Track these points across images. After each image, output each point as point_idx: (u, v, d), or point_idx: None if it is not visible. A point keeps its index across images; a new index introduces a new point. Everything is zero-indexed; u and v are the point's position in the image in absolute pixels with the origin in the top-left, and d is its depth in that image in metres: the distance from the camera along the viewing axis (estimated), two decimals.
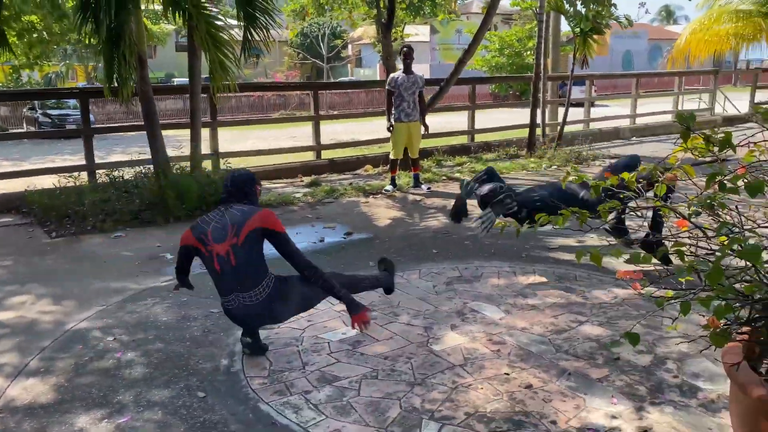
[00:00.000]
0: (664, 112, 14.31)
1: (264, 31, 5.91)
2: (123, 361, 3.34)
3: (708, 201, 2.02)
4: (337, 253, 5.22)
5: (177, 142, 11.91)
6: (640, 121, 13.64)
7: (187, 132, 7.34)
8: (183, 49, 42.00)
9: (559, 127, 10.84)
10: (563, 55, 17.57)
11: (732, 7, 13.93)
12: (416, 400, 2.88)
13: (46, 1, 13.16)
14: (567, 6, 8.99)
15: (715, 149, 1.94)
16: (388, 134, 7.74)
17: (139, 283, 4.60)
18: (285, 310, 3.24)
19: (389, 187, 7.67)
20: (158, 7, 6.31)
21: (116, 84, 5.91)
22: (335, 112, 22.14)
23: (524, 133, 10.76)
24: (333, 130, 14.83)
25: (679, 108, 14.87)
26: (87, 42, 5.77)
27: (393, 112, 7.59)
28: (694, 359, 3.18)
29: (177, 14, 5.81)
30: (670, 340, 3.38)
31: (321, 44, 38.53)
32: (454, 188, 7.93)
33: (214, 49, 5.73)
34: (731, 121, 14.42)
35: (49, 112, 19.36)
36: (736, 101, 15.96)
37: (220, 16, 5.97)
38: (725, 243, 1.80)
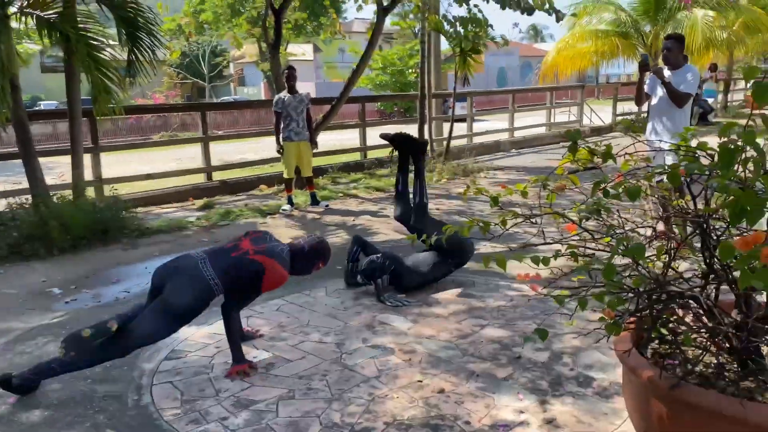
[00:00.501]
0: (539, 125, 15.34)
1: (150, 52, 5.74)
2: (17, 407, 3.12)
3: (594, 207, 2.24)
4: None
5: (49, 169, 11.17)
6: (518, 134, 14.52)
7: (60, 158, 6.92)
8: (49, 69, 39.36)
9: (445, 142, 11.31)
10: (444, 72, 18.36)
11: (592, 28, 15.25)
12: (335, 415, 2.92)
13: None
14: (447, 27, 9.45)
15: (599, 160, 2.17)
16: (278, 154, 7.77)
17: (26, 321, 4.29)
18: (180, 292, 3.21)
19: (287, 207, 7.66)
20: (27, 26, 5.92)
21: None
22: (220, 133, 21.66)
23: None
24: (221, 151, 14.52)
25: (552, 120, 16.00)
26: None
27: (282, 132, 7.63)
28: (587, 352, 3.47)
29: (54, 36, 5.52)
30: (564, 337, 3.66)
31: (202, 63, 37.63)
32: (352, 204, 8.06)
33: (96, 72, 5.49)
34: (598, 131, 15.70)
35: None
36: (599, 113, 17.41)
37: (101, 37, 5.72)
38: (613, 244, 2.02)
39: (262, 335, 3.87)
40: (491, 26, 8.69)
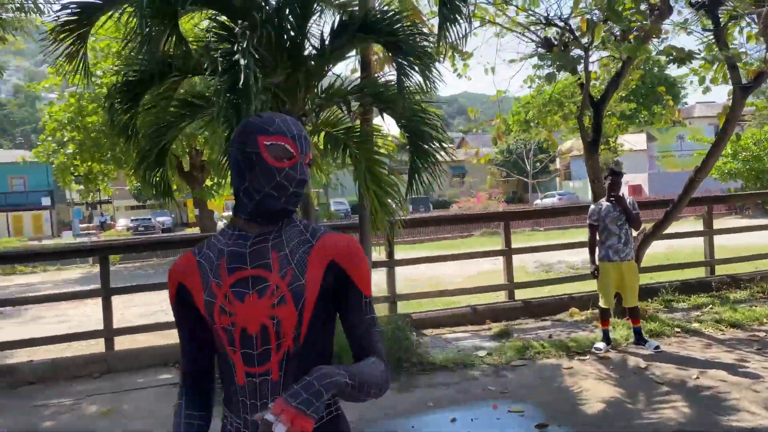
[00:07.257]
0: None
1: (433, 156, 4.99)
2: None
3: None
4: None
5: None
6: None
7: None
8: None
9: None
10: None
11: None
12: None
13: None
14: None
15: None
16: (593, 276, 6.19)
17: None
18: None
19: (600, 345, 5.96)
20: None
21: None
22: (519, 246, 20.35)
23: None
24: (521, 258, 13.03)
25: None
26: None
27: (598, 249, 6.08)
28: None
29: (336, 152, 5.17)
30: None
31: (525, 161, 37.95)
32: (694, 347, 5.94)
33: (373, 185, 4.91)
34: None
35: None
36: None
37: (382, 153, 5.19)
38: None
39: None
40: None
